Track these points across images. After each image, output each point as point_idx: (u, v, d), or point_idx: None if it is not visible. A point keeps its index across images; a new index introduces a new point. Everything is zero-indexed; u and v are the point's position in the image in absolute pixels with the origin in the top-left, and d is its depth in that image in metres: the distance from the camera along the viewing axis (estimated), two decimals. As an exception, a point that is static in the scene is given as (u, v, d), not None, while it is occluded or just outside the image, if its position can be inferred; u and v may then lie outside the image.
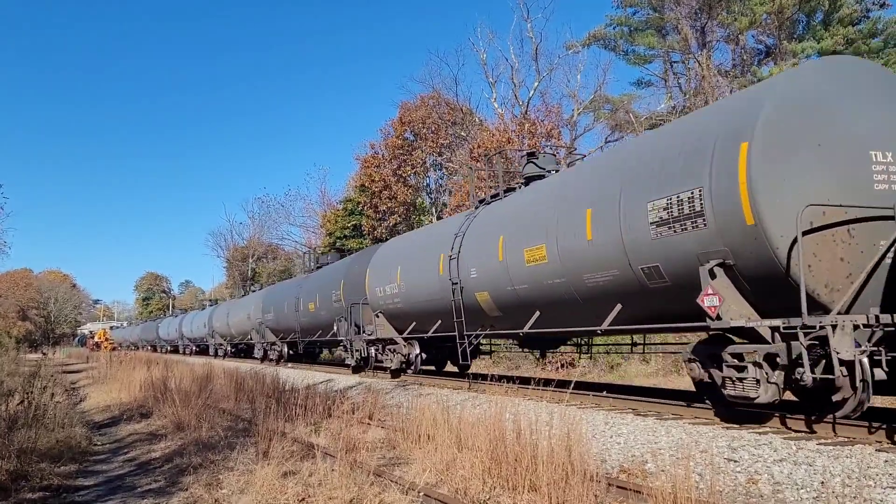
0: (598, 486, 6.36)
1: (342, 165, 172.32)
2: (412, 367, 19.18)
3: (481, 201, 16.75)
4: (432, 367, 21.41)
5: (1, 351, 34.76)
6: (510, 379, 13.30)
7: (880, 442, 7.40)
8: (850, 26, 32.06)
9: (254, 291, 43.36)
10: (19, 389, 13.95)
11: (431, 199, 47.25)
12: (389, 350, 19.78)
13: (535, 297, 12.95)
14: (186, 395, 14.09)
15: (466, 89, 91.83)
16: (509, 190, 16.00)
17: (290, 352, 32.16)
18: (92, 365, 37.85)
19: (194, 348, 54.37)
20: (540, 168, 15.37)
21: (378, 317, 19.87)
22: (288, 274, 58.36)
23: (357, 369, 22.65)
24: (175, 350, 60.18)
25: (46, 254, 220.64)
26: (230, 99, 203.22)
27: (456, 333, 15.86)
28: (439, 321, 16.81)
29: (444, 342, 17.92)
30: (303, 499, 7.25)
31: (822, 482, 6.43)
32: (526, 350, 20.24)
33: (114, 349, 62.54)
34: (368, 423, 11.28)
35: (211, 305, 55.64)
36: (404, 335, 19.05)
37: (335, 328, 23.63)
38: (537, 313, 13.14)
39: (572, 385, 9.52)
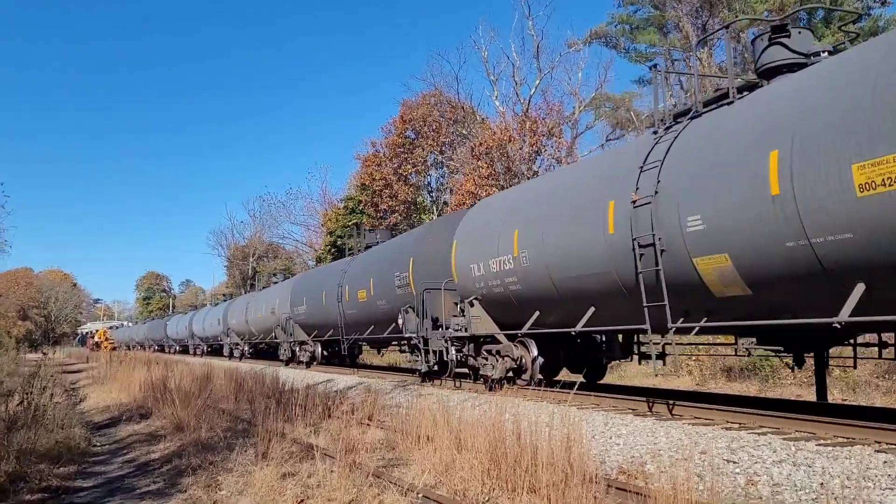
0: (598, 487, 6.34)
1: (343, 164, 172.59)
2: (525, 376, 13.87)
3: (678, 115, 10.62)
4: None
5: (1, 351, 34.77)
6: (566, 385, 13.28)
7: (879, 442, 7.38)
8: (851, 24, 31.97)
9: (275, 283, 38.03)
10: (19, 390, 13.94)
11: (433, 197, 47.25)
12: (487, 352, 14.99)
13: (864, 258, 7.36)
14: (186, 395, 14.08)
15: (468, 87, 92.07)
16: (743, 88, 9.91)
17: (326, 352, 27.68)
18: (92, 365, 37.90)
19: (205, 348, 50.22)
20: (793, 53, 9.61)
21: (473, 305, 14.93)
22: (289, 273, 57.91)
23: (429, 376, 17.85)
24: (185, 350, 56.04)
25: (47, 253, 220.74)
26: (231, 98, 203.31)
27: (634, 326, 10.97)
28: (592, 309, 11.73)
29: (572, 341, 13.46)
30: (302, 500, 7.25)
31: (822, 483, 6.41)
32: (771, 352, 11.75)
33: (114, 349, 62.47)
34: (368, 424, 11.28)
35: (226, 300, 50.50)
36: (522, 331, 13.84)
37: (400, 321, 18.20)
38: (861, 287, 7.48)
39: (576, 387, 9.50)
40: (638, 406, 11.09)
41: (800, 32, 9.75)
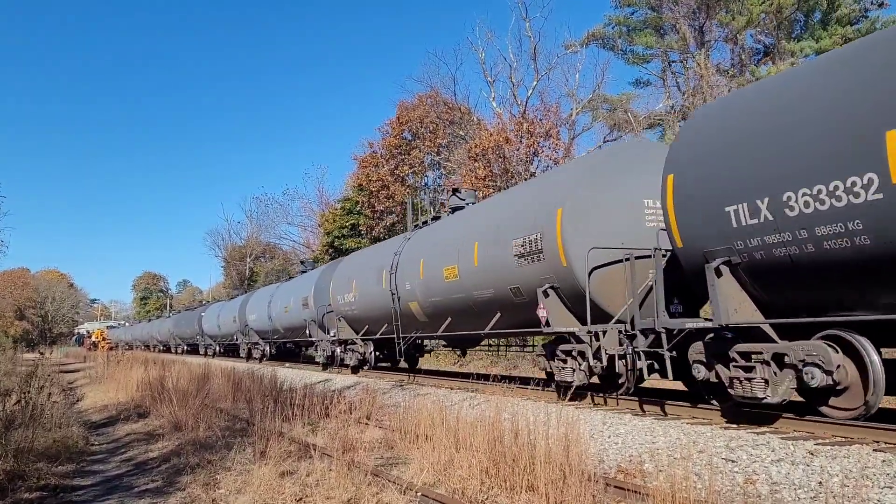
0: (596, 486, 6.35)
1: (340, 165, 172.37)
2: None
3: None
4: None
5: (-2, 350, 34.69)
6: (510, 379, 13.30)
7: (877, 442, 7.40)
8: (848, 26, 32.09)
9: (304, 272, 33.11)
10: (16, 389, 13.91)
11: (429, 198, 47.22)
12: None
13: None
14: (184, 394, 14.07)
15: (465, 89, 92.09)
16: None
17: (380, 354, 23.32)
18: (89, 364, 37.81)
19: (218, 349, 45.85)
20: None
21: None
22: (286, 274, 57.70)
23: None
24: (195, 350, 51.95)
25: (44, 253, 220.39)
26: (228, 98, 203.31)
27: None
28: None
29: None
30: (300, 499, 7.24)
31: (820, 482, 6.42)
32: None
33: (111, 349, 62.29)
34: (366, 423, 11.27)
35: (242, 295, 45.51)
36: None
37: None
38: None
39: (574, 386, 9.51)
40: (637, 405, 11.11)
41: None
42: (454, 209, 18.73)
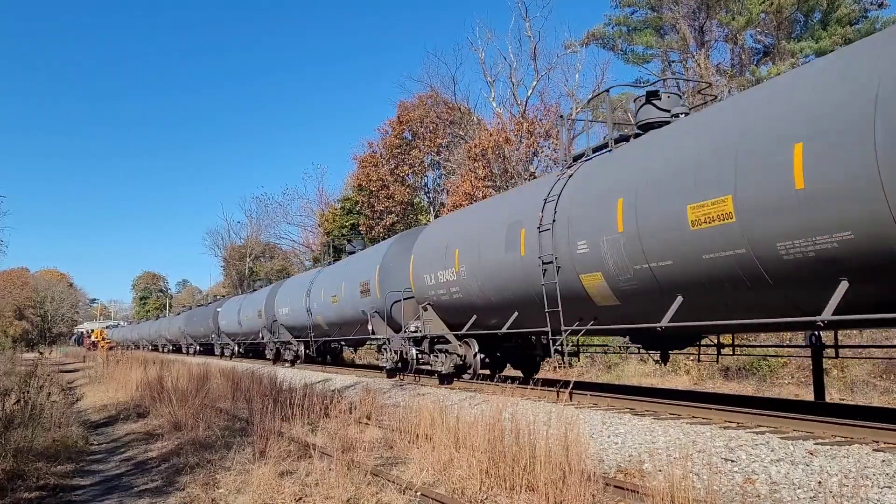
0: (596, 485, 6.35)
1: (340, 165, 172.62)
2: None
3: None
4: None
5: (-2, 350, 34.68)
6: (512, 379, 13.30)
7: (877, 441, 7.40)
8: (848, 26, 32.07)
9: (352, 252, 26.61)
10: (16, 389, 13.91)
11: (429, 198, 47.23)
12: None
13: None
14: (183, 394, 14.08)
15: (465, 88, 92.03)
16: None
17: (487, 357, 16.88)
18: (89, 364, 37.80)
19: (237, 349, 39.45)
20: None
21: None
22: (286, 273, 57.40)
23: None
24: (209, 351, 45.89)
25: (43, 253, 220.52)
26: (227, 98, 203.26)
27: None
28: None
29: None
30: (300, 498, 7.24)
31: (819, 482, 6.42)
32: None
33: (111, 348, 62.27)
34: (366, 423, 11.28)
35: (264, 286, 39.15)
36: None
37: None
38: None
39: (571, 385, 9.51)
40: (636, 405, 11.13)
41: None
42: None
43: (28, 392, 12.74)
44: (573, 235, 11.23)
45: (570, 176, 12.14)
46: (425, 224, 26.78)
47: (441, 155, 43.47)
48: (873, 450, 7.02)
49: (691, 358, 19.17)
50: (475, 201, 28.24)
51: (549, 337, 12.62)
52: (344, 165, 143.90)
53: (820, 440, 7.67)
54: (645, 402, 11.27)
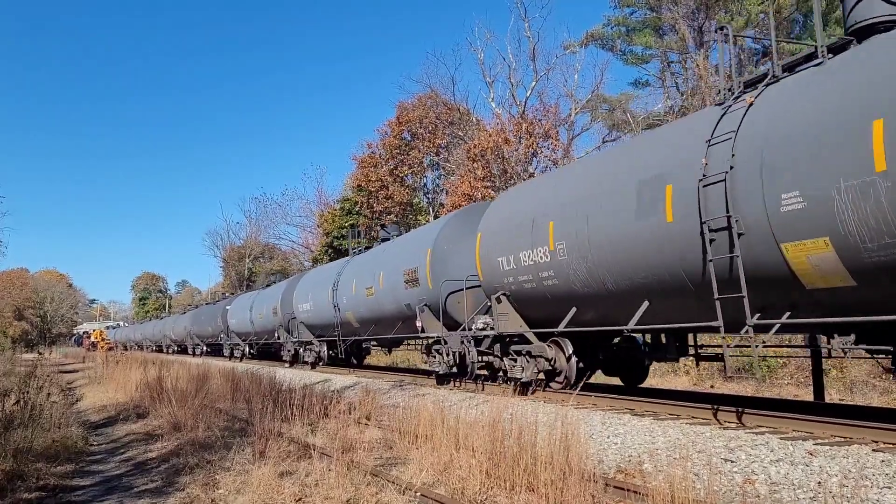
0: (596, 486, 6.36)
1: (339, 165, 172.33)
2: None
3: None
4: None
5: (-3, 351, 34.65)
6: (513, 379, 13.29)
7: (876, 441, 7.40)
8: (846, 26, 32.10)
9: (385, 240, 23.17)
10: (15, 389, 13.90)
11: (428, 198, 47.25)
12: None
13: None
14: (183, 395, 14.08)
15: (464, 89, 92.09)
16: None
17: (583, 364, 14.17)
18: (88, 365, 37.77)
19: (247, 350, 36.68)
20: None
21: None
22: (285, 274, 57.06)
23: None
24: (217, 351, 43.28)
25: (43, 253, 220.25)
26: (227, 98, 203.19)
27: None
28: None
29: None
30: (300, 499, 7.25)
31: (819, 482, 6.43)
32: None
33: (110, 349, 62.18)
34: (366, 424, 11.27)
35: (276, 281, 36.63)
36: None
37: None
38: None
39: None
40: (636, 406, 11.12)
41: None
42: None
43: (28, 392, 12.74)
44: (773, 185, 7.97)
45: (751, 105, 8.73)
46: (425, 224, 26.65)
47: (440, 155, 43.49)
48: (873, 450, 7.03)
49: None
50: (474, 202, 28.24)
51: (723, 334, 9.20)
52: (343, 166, 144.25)
53: (819, 440, 7.67)
54: (644, 402, 11.27)
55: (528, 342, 13.25)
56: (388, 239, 22.29)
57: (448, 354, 15.86)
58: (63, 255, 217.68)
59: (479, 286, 14.79)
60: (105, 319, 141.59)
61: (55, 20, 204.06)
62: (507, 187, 30.77)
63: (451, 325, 16.00)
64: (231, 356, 38.76)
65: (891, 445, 7.19)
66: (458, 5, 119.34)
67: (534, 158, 34.84)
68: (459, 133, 41.48)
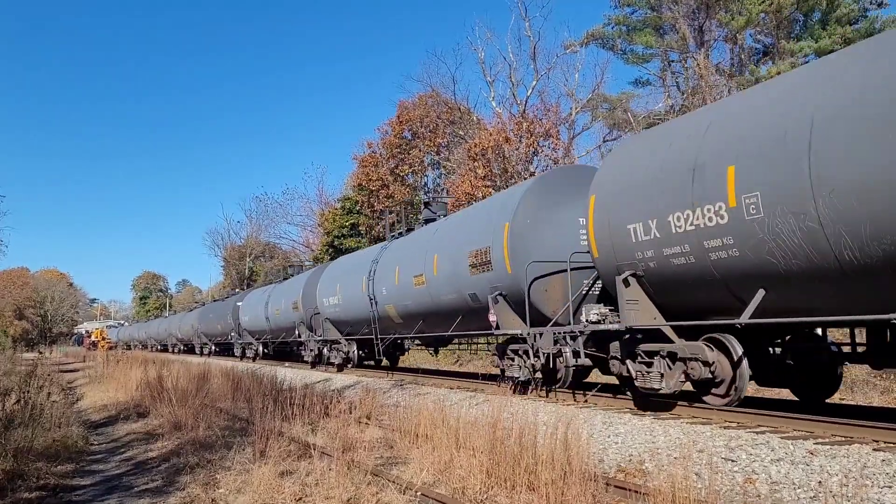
0: (597, 485, 6.35)
1: (340, 164, 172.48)
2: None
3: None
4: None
5: (-3, 350, 34.67)
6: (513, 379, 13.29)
7: (877, 441, 7.40)
8: (847, 25, 32.07)
9: (419, 226, 20.50)
10: (16, 389, 13.91)
11: (429, 198, 47.20)
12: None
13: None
14: (183, 394, 14.07)
15: (464, 88, 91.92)
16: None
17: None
18: (89, 364, 37.78)
19: (261, 349, 34.14)
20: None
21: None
22: (285, 273, 56.97)
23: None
24: (226, 351, 40.91)
25: (43, 253, 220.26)
26: (227, 97, 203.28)
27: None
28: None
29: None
30: (300, 498, 7.24)
31: (820, 482, 6.42)
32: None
33: (111, 348, 62.16)
34: (366, 423, 11.27)
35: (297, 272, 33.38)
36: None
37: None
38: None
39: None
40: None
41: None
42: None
43: (28, 392, 12.75)
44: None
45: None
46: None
47: (441, 154, 43.50)
48: (873, 449, 7.02)
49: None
50: (475, 201, 28.22)
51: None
52: (344, 165, 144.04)
53: (820, 440, 7.67)
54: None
55: (661, 339, 10.10)
56: (434, 219, 19.48)
57: (533, 356, 12.75)
58: (63, 254, 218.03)
59: (577, 269, 12.19)
60: (105, 319, 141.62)
61: (55, 20, 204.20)
62: (507, 186, 30.63)
63: (537, 318, 12.98)
64: (243, 356, 36.09)
65: (891, 445, 7.18)
66: (458, 5, 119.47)
67: (535, 157, 34.85)
68: (460, 132, 41.48)
